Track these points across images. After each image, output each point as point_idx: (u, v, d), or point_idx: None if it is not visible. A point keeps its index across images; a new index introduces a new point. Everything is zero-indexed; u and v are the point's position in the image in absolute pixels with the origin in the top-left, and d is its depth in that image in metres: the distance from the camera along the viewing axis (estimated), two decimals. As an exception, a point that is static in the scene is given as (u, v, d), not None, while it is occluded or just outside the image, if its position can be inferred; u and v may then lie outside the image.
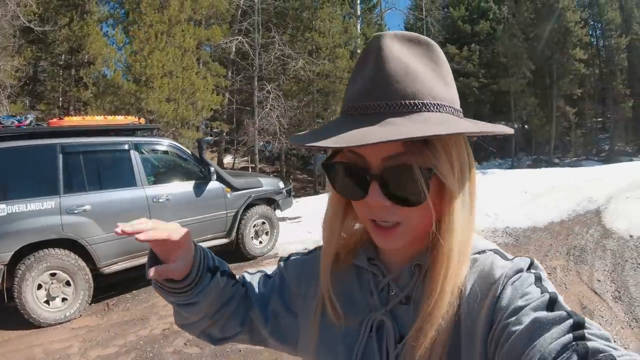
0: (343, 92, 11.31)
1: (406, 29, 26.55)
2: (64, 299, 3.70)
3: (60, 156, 3.64)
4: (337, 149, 0.52)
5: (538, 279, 0.49)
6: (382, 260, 0.60)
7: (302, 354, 0.66)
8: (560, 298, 0.45)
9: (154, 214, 4.08)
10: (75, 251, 3.72)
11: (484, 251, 0.56)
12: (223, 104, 11.32)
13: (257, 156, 12.55)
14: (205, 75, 10.65)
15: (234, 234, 4.88)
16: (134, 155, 4.09)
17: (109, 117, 4.42)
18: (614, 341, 0.39)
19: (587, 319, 0.41)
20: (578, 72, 15.14)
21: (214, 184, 4.64)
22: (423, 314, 0.50)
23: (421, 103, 0.48)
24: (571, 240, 5.61)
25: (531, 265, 0.52)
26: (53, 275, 3.62)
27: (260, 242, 5.28)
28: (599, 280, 4.21)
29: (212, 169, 4.56)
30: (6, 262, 3.41)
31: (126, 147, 4.07)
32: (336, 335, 0.59)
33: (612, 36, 17.88)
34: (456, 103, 0.52)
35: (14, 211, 3.41)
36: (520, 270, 0.50)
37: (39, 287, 3.56)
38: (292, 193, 6.01)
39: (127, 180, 4.07)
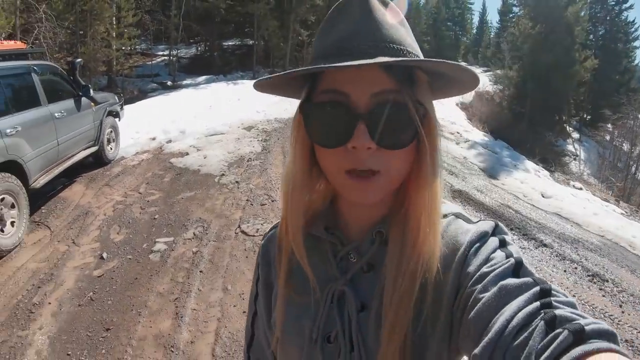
0: (103, 12, 10.17)
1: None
2: (12, 222, 3.87)
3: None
4: (323, 91, 0.49)
5: (503, 243, 0.48)
6: (340, 229, 0.58)
7: (273, 330, 0.62)
8: (526, 262, 0.45)
9: (58, 128, 4.47)
10: (11, 172, 3.83)
11: (446, 215, 0.54)
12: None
13: None
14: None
15: (99, 142, 5.56)
16: (35, 77, 4.15)
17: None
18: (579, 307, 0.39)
19: (553, 286, 0.40)
20: (313, 2, 18.45)
21: (85, 100, 5.08)
22: (387, 281, 0.49)
23: (405, 50, 0.48)
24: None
25: (496, 229, 0.51)
26: (1, 200, 3.72)
27: (111, 148, 6.07)
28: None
29: (88, 86, 4.99)
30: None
31: (29, 70, 4.15)
32: (300, 308, 0.57)
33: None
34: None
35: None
36: (485, 235, 0.49)
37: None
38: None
39: (34, 100, 4.12)
